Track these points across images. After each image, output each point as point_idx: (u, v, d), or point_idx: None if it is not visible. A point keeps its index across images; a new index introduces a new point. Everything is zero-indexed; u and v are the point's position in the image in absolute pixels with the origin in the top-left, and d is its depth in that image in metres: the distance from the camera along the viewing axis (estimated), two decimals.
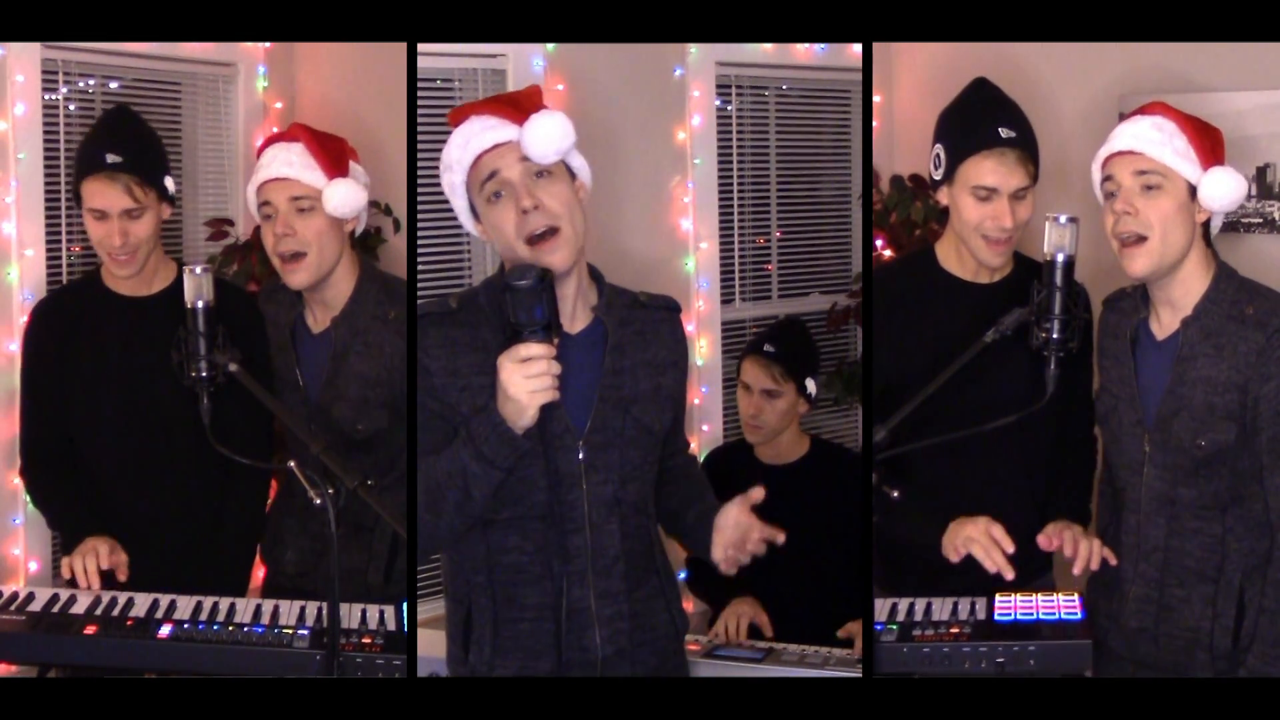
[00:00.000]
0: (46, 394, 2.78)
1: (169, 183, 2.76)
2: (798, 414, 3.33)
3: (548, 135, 2.15)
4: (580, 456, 2.20)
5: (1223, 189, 2.39)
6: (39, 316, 2.83)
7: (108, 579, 2.56)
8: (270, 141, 2.88)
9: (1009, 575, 2.40)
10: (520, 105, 2.20)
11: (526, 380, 2.03)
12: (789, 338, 3.41)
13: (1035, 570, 2.65)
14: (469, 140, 2.19)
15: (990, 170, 2.54)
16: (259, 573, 2.99)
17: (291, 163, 2.78)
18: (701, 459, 4.01)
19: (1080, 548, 2.43)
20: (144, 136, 2.79)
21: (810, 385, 3.31)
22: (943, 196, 2.64)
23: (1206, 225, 2.45)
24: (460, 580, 2.27)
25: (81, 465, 2.79)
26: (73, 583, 2.57)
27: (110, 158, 2.66)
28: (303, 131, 2.83)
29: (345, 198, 2.78)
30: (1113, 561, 2.46)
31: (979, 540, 2.44)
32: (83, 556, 2.55)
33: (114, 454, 2.77)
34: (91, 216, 2.69)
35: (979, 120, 2.58)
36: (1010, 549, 2.42)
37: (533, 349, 2.04)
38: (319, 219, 2.78)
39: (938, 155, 2.63)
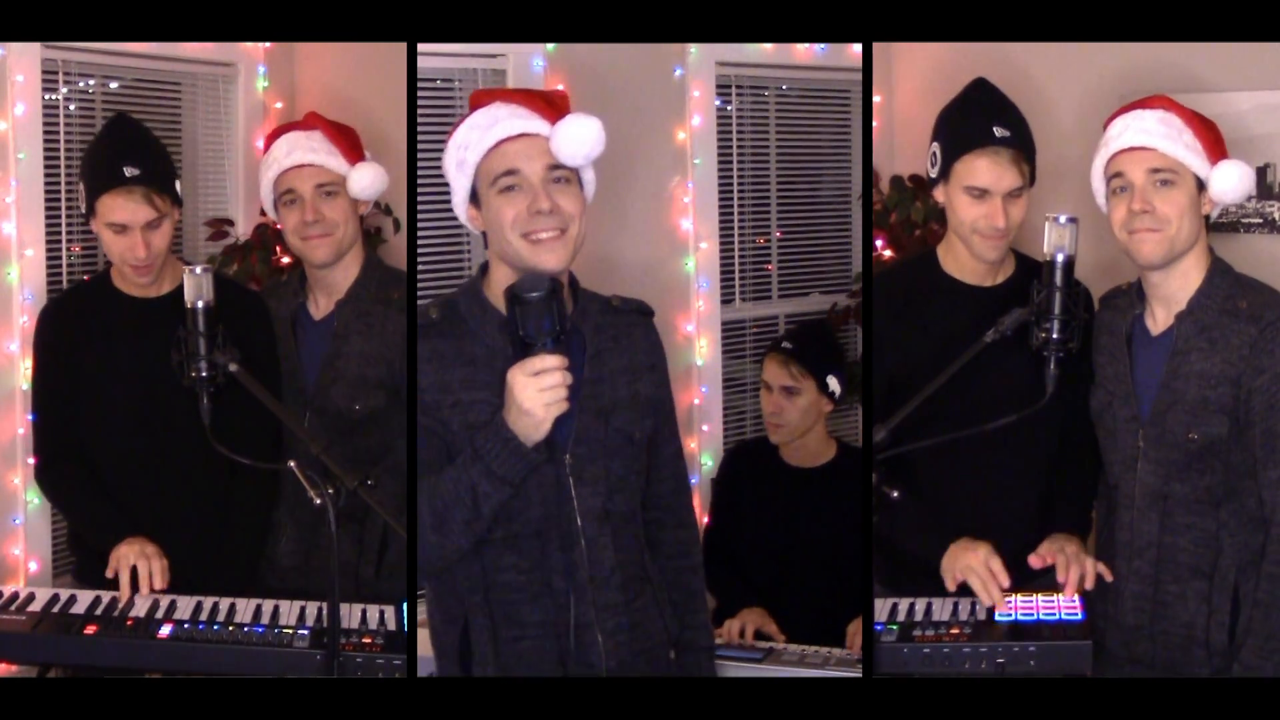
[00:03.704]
0: (60, 396, 2.77)
1: (178, 186, 2.77)
2: (822, 414, 3.31)
3: (583, 139, 2.12)
4: (567, 470, 2.18)
5: (1233, 181, 2.40)
6: (47, 319, 2.83)
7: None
8: (282, 131, 2.93)
9: (1002, 608, 2.42)
10: (553, 103, 2.17)
11: (541, 393, 2.00)
12: (807, 335, 3.42)
13: (1036, 571, 2.64)
14: (494, 123, 2.14)
15: (984, 169, 2.55)
16: None
17: (315, 149, 2.85)
18: (705, 460, 4.02)
19: (1072, 571, 2.44)
20: (154, 144, 2.79)
21: (832, 383, 3.30)
22: (939, 195, 2.65)
23: (1206, 218, 2.46)
24: (453, 600, 2.23)
25: (93, 465, 2.79)
26: (113, 582, 2.54)
27: (129, 170, 2.64)
28: (319, 120, 2.91)
29: (372, 180, 2.87)
30: (1108, 577, 2.47)
31: (977, 571, 2.44)
32: (131, 561, 2.52)
33: (124, 454, 2.76)
34: (111, 230, 2.67)
35: (974, 119, 2.59)
36: (1006, 583, 2.43)
37: (546, 361, 2.01)
38: (343, 202, 2.88)
39: (934, 153, 2.64)
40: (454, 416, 2.15)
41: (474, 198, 2.21)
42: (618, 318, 2.30)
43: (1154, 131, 2.40)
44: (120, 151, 2.69)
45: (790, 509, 3.29)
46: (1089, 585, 2.44)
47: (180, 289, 2.73)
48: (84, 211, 2.72)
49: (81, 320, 2.78)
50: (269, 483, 2.85)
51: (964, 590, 2.48)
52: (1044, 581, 2.63)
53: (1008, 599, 2.47)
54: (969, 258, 2.65)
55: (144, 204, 2.65)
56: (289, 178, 2.86)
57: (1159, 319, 2.48)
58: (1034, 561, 2.48)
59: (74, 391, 2.75)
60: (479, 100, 2.21)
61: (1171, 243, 2.40)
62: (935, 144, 2.64)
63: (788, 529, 3.26)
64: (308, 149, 2.85)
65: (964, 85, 2.69)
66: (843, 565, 3.17)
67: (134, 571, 2.54)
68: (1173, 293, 2.45)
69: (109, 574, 2.55)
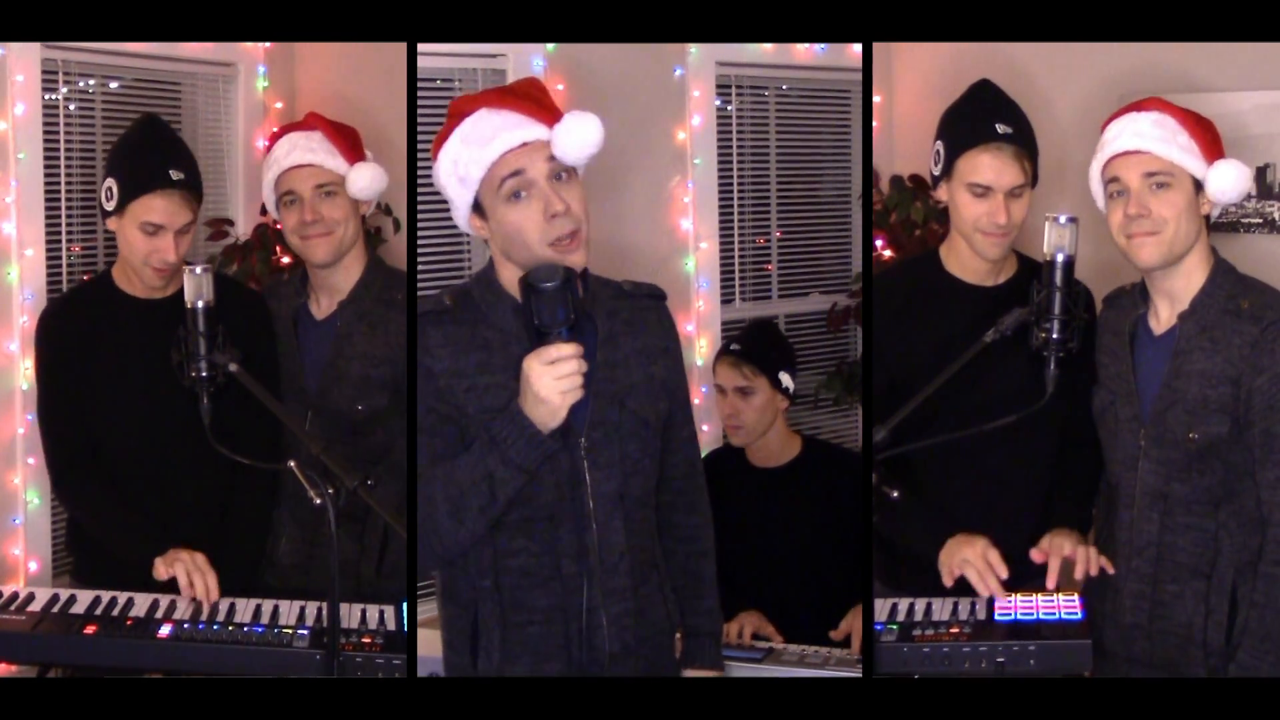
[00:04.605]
0: (68, 400, 2.75)
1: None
2: (779, 411, 3.32)
3: (585, 139, 2.12)
4: (582, 454, 2.19)
5: (1230, 181, 2.40)
6: (49, 323, 2.80)
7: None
8: (284, 131, 2.93)
9: (1001, 597, 2.42)
10: (543, 104, 2.16)
11: (557, 381, 2.02)
12: (755, 336, 3.42)
13: (1037, 570, 2.65)
14: (493, 135, 2.13)
15: (986, 166, 2.55)
16: None
17: (314, 150, 2.85)
18: None
19: (1079, 554, 2.44)
20: (189, 151, 2.80)
21: (785, 379, 3.30)
22: (941, 193, 2.66)
23: (1207, 218, 2.46)
24: (464, 586, 2.24)
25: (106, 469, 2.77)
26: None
27: (175, 174, 2.67)
28: (319, 120, 2.91)
29: (370, 181, 2.86)
30: (1110, 570, 2.47)
31: (974, 564, 2.44)
32: (188, 571, 2.51)
33: (129, 455, 2.75)
34: (143, 231, 2.66)
35: (977, 117, 2.59)
36: (1005, 575, 2.43)
37: (562, 349, 2.03)
38: (343, 202, 2.87)
39: (937, 151, 2.64)
40: (470, 401, 2.16)
41: (476, 205, 2.20)
42: (630, 302, 2.31)
43: (1148, 134, 2.41)
44: (166, 154, 2.72)
45: (762, 510, 3.30)
46: (1093, 571, 2.44)
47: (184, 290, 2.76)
48: (110, 209, 2.69)
49: (86, 323, 2.77)
50: (270, 482, 2.85)
51: (961, 584, 2.48)
52: (1044, 581, 2.63)
53: (1007, 598, 2.47)
54: (971, 257, 2.65)
55: (184, 207, 2.68)
56: (289, 178, 2.87)
57: (1162, 318, 2.48)
58: (1036, 556, 2.48)
59: (82, 395, 2.74)
60: (462, 109, 2.18)
61: (1170, 245, 2.40)
62: (939, 142, 2.65)
63: (762, 530, 3.27)
64: (306, 149, 2.86)
65: (964, 85, 2.69)
66: (821, 559, 3.18)
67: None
68: (1176, 293, 2.45)
69: (160, 577, 2.52)
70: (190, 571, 2.51)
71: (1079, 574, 2.45)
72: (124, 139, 2.81)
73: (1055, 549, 2.47)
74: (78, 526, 2.89)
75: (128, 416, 2.74)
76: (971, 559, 2.45)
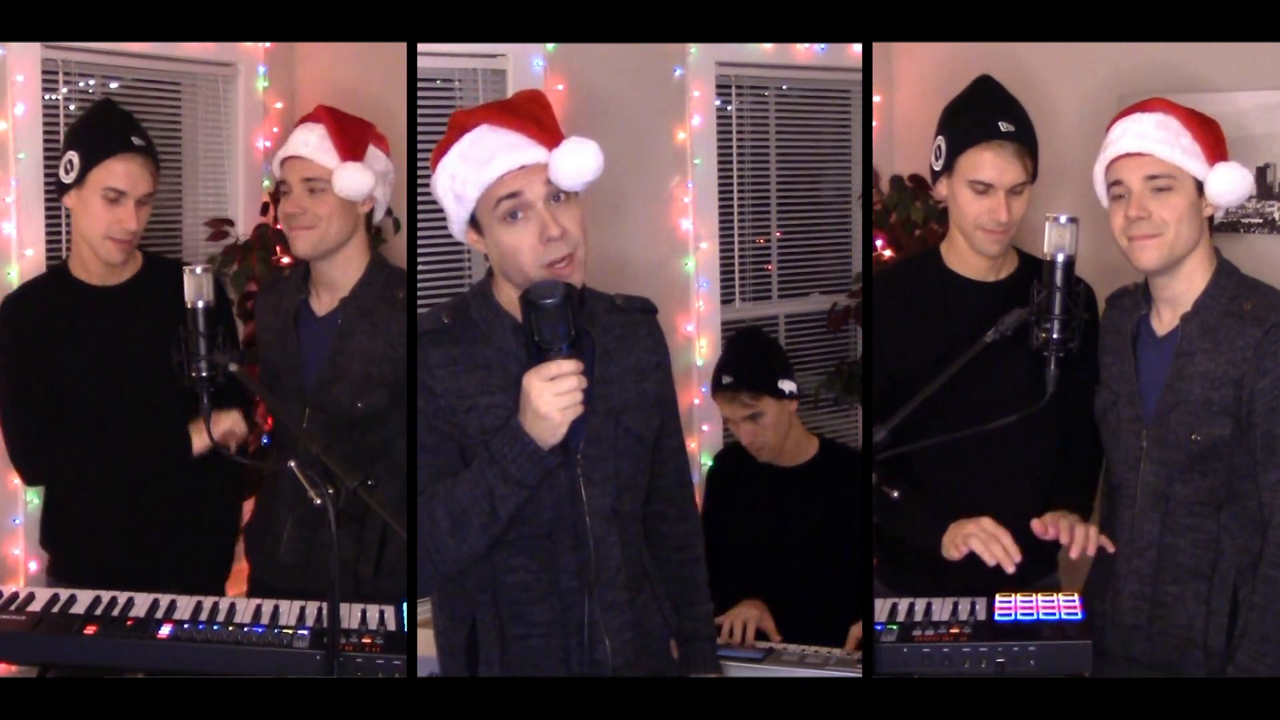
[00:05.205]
0: (31, 385, 2.75)
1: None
2: (790, 413, 3.30)
3: (583, 167, 2.10)
4: (578, 470, 2.19)
5: (1230, 184, 2.39)
6: (8, 313, 2.81)
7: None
8: (301, 122, 2.94)
9: (1009, 567, 2.40)
10: (543, 124, 2.14)
11: (557, 398, 2.02)
12: (740, 358, 3.33)
13: (1041, 571, 2.65)
14: (490, 157, 2.11)
15: (989, 163, 2.55)
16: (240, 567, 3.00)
17: (309, 143, 2.85)
18: (704, 460, 4.02)
19: (1076, 532, 2.44)
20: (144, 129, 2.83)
21: (786, 386, 3.26)
22: (941, 188, 2.66)
23: (1210, 220, 2.46)
24: (462, 600, 2.24)
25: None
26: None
27: (136, 140, 2.72)
28: (325, 114, 2.90)
29: (351, 181, 2.83)
30: (1110, 549, 2.46)
31: (978, 535, 2.44)
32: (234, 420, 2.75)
33: (93, 444, 2.76)
34: (104, 199, 2.69)
35: (980, 114, 2.59)
36: (1013, 551, 2.42)
37: (562, 366, 2.02)
38: (330, 199, 2.84)
39: (938, 147, 2.64)
40: (470, 421, 2.15)
41: (473, 220, 2.19)
42: (623, 317, 2.31)
43: (1150, 136, 2.40)
44: (125, 123, 2.77)
45: (777, 509, 3.30)
46: (1090, 550, 2.44)
47: (137, 276, 2.81)
48: (70, 181, 2.71)
49: (42, 312, 2.78)
50: (241, 478, 2.87)
51: (968, 563, 2.47)
52: (1045, 583, 2.63)
53: (1007, 597, 2.47)
54: (971, 253, 2.65)
55: (144, 173, 2.72)
56: (284, 168, 2.88)
57: (1165, 320, 2.48)
58: (1036, 527, 2.47)
59: (44, 383, 2.75)
60: (463, 123, 2.17)
61: (1170, 247, 2.40)
62: (940, 138, 2.65)
63: (776, 529, 3.26)
64: (302, 142, 2.85)
65: (965, 84, 2.69)
66: (834, 562, 3.17)
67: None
68: (1178, 294, 2.45)
69: (208, 442, 2.66)
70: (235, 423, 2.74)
71: (1075, 553, 2.44)
72: (80, 119, 2.85)
73: (1059, 519, 2.47)
74: (51, 523, 2.89)
75: (88, 404, 2.75)
76: (975, 531, 2.45)
